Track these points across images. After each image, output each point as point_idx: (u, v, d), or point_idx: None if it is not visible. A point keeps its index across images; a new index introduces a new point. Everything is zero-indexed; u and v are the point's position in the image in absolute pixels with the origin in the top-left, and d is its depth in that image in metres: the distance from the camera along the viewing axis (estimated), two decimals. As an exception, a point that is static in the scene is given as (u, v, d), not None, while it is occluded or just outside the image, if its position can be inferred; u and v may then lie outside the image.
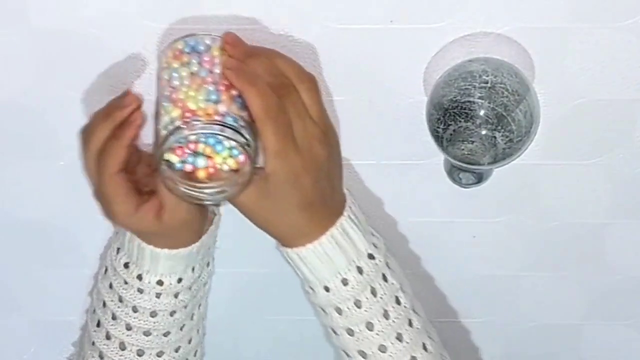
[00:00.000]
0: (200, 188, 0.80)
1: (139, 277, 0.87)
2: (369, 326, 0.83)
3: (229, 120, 0.77)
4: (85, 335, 0.94)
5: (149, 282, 0.87)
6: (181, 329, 0.91)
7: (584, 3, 0.84)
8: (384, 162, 0.94)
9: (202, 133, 0.77)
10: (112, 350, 0.90)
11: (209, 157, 0.79)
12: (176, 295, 0.88)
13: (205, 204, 0.82)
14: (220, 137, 0.77)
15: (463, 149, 0.83)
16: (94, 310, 0.92)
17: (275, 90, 0.78)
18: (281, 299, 1.05)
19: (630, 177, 0.95)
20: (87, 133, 0.83)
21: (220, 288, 1.00)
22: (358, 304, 0.83)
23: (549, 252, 1.01)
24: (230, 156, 0.79)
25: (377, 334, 0.83)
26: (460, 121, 0.82)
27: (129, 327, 0.89)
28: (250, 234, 0.84)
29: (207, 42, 0.82)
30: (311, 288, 0.84)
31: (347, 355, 0.85)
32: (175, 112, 0.78)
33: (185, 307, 0.90)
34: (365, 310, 0.83)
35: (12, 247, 1.02)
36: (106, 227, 0.97)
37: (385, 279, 0.84)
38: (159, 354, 0.90)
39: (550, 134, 0.91)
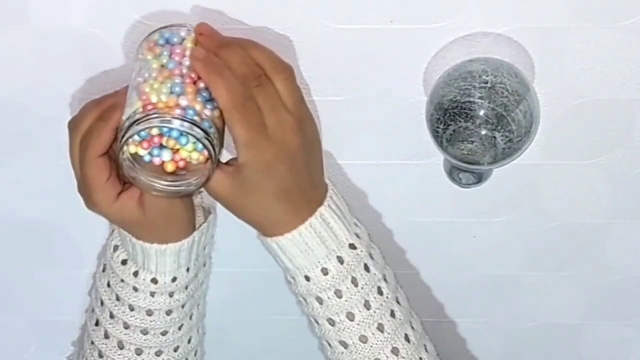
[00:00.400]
0: (159, 180, 0.81)
1: (135, 274, 0.87)
2: (350, 316, 0.83)
3: (190, 114, 0.78)
4: (84, 334, 0.94)
5: (144, 279, 0.87)
6: (179, 328, 0.91)
7: (584, 3, 0.84)
8: (384, 162, 0.94)
9: (157, 126, 0.78)
10: (110, 349, 0.90)
11: (175, 150, 0.80)
12: (171, 295, 0.88)
13: (166, 196, 0.82)
14: (181, 130, 0.78)
15: (463, 149, 0.83)
16: (93, 309, 0.92)
17: (247, 81, 0.78)
18: (281, 298, 1.05)
19: (630, 177, 0.95)
20: (74, 119, 0.82)
21: (220, 287, 1.01)
22: (338, 294, 0.83)
23: (549, 252, 1.01)
24: (195, 149, 0.80)
25: (358, 324, 0.83)
26: (460, 121, 0.82)
27: (126, 326, 0.89)
28: (249, 232, 0.84)
29: (182, 34, 0.82)
30: (292, 277, 0.84)
31: (329, 345, 0.85)
32: (137, 104, 0.78)
33: (183, 306, 0.90)
34: (346, 300, 0.83)
35: (12, 247, 1.02)
36: (105, 227, 0.97)
37: (367, 269, 0.84)
38: (158, 353, 0.90)
39: (550, 134, 0.91)
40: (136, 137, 0.79)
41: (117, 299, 0.89)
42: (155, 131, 0.79)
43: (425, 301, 1.04)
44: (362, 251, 0.84)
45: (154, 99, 0.78)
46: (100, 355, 0.90)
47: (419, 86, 0.89)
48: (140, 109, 0.78)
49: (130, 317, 0.88)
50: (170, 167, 0.81)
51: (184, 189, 0.81)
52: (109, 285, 0.89)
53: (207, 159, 0.80)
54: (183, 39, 0.82)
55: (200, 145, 0.79)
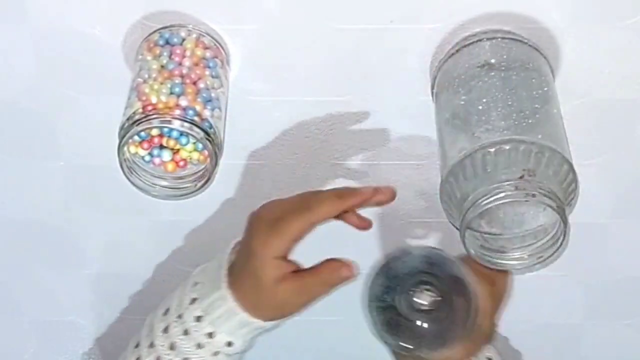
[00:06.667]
0: (159, 180, 0.81)
1: (210, 335, 0.83)
2: None
3: (190, 114, 0.78)
4: None
5: (219, 341, 0.84)
6: None
7: (584, 3, 0.84)
8: (384, 162, 0.94)
9: (157, 127, 0.78)
10: None
11: (175, 150, 0.80)
12: (229, 355, 0.85)
13: (166, 197, 0.82)
14: (181, 130, 0.78)
15: None
16: (138, 345, 0.87)
17: None
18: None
19: (630, 177, 0.95)
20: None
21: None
22: None
23: (549, 252, 1.01)
24: (196, 150, 0.80)
25: None
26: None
27: None
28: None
29: (182, 34, 0.82)
30: None
31: None
32: (137, 105, 0.78)
33: None
34: None
35: (12, 247, 1.02)
36: (105, 227, 0.97)
37: None
38: None
39: (550, 134, 0.91)
40: (136, 138, 0.79)
41: (172, 348, 0.84)
42: (155, 132, 0.79)
43: (425, 301, 1.04)
44: None
45: (153, 99, 0.78)
46: None
47: (420, 86, 0.89)
48: (140, 110, 0.78)
49: None
50: (170, 168, 0.81)
51: (185, 190, 0.81)
52: (166, 330, 0.85)
53: (208, 159, 0.80)
54: (183, 40, 0.82)
55: (200, 146, 0.79)
